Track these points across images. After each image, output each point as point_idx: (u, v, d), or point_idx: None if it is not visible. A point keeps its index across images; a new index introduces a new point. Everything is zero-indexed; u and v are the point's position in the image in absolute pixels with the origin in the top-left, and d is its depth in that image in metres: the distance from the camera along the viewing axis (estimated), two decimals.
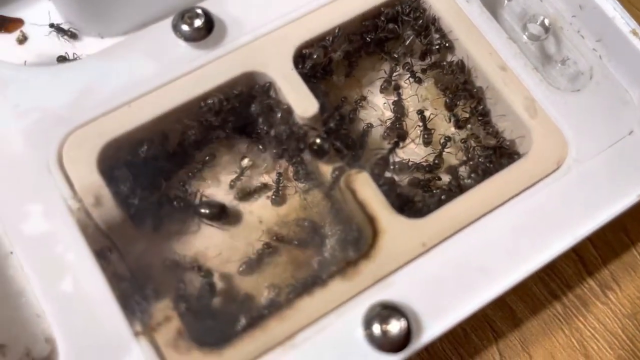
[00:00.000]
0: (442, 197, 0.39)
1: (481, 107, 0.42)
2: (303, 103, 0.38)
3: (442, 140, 0.43)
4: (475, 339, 0.43)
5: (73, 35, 0.46)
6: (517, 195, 0.37)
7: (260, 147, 0.42)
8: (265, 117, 0.40)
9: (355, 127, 0.44)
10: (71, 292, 0.33)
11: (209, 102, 0.38)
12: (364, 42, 0.43)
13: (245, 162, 0.42)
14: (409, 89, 0.45)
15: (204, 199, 0.40)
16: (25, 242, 0.34)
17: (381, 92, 0.45)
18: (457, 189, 0.40)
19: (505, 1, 0.46)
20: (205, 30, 0.39)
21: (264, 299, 0.37)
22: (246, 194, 0.41)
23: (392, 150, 0.43)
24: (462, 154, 0.43)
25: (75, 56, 0.45)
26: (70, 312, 0.32)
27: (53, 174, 0.35)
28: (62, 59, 0.45)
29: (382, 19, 0.43)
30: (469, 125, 0.43)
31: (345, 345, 0.33)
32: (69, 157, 0.36)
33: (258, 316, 0.34)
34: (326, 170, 0.38)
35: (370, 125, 0.44)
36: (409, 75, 0.45)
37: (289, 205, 0.41)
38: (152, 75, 0.38)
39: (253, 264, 0.39)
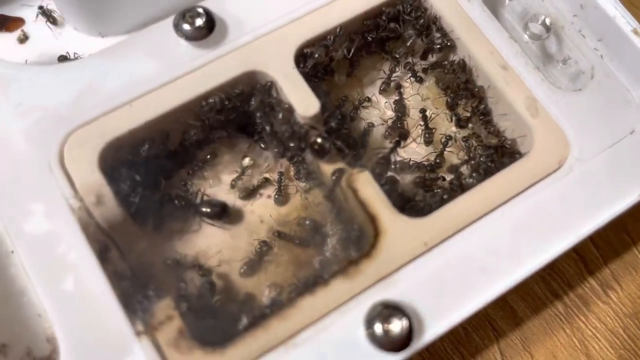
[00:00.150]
0: (444, 196, 0.39)
1: (482, 106, 0.42)
2: (304, 102, 0.38)
3: (443, 140, 0.43)
4: (476, 339, 0.43)
5: (55, 22, 0.46)
6: (518, 194, 0.37)
7: (262, 145, 0.42)
8: (266, 116, 0.40)
9: (357, 127, 0.44)
10: (72, 291, 0.33)
11: (210, 101, 0.38)
12: (365, 41, 0.43)
13: (247, 161, 0.42)
14: (410, 88, 0.45)
15: (205, 198, 0.40)
16: (26, 241, 0.34)
17: (380, 93, 0.45)
18: (459, 188, 0.40)
19: (507, 0, 0.46)
20: (206, 29, 0.39)
21: (266, 298, 0.37)
22: (249, 192, 0.41)
23: (393, 150, 0.43)
24: (463, 153, 0.43)
25: (76, 55, 0.45)
26: (71, 312, 0.32)
27: (54, 173, 0.35)
28: (63, 59, 0.45)
29: (384, 18, 0.43)
30: (470, 125, 0.43)
31: (346, 344, 0.33)
32: (70, 156, 0.36)
33: (260, 315, 0.34)
34: (327, 169, 0.38)
35: (371, 125, 0.44)
36: (410, 74, 0.45)
37: (290, 204, 0.41)
38: (154, 74, 0.38)
39: (254, 264, 0.39)
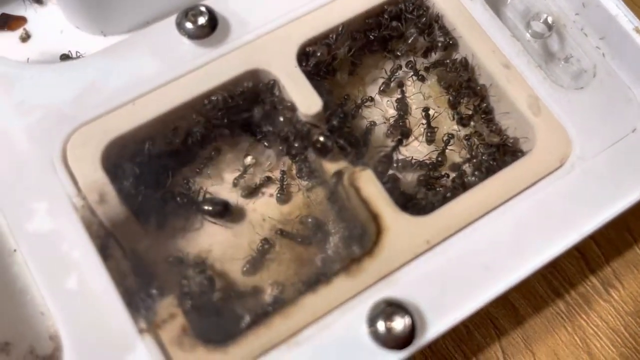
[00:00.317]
0: (446, 194, 0.39)
1: (484, 104, 0.42)
2: (307, 101, 0.38)
3: (444, 138, 0.43)
4: (478, 337, 0.43)
5: (38, 0, 0.46)
6: (520, 193, 0.37)
7: (266, 144, 0.42)
8: (268, 114, 0.40)
9: (359, 125, 0.44)
10: (75, 289, 0.33)
11: (213, 99, 0.38)
12: (368, 40, 0.44)
13: (249, 159, 0.42)
14: (412, 87, 0.45)
15: (207, 196, 0.40)
16: (29, 240, 0.34)
17: (379, 93, 0.45)
18: (461, 186, 0.40)
19: None
20: (209, 28, 0.39)
21: (268, 296, 0.38)
22: (251, 190, 0.41)
23: (395, 148, 0.43)
24: (465, 151, 0.43)
25: (79, 54, 0.45)
26: (74, 310, 0.33)
27: (57, 171, 0.35)
28: (65, 57, 0.45)
29: (386, 16, 0.43)
30: (472, 123, 0.44)
31: (349, 342, 0.33)
32: (73, 155, 0.36)
33: (262, 313, 0.34)
34: (330, 168, 0.38)
35: (373, 123, 0.44)
36: (412, 73, 0.45)
37: (292, 203, 0.41)
38: (156, 73, 0.38)
39: (256, 263, 0.39)
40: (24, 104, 0.37)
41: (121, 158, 0.37)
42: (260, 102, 0.40)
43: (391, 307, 0.33)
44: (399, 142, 0.43)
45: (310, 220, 0.40)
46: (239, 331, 0.33)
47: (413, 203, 0.39)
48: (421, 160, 0.43)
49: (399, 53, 0.45)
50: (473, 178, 0.41)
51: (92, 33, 0.46)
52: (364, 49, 0.44)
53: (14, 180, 0.35)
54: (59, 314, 0.32)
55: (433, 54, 0.45)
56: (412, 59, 0.45)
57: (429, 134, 0.43)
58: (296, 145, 0.39)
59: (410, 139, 0.44)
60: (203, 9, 0.39)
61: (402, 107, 0.44)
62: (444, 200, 0.38)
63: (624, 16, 0.42)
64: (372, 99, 0.44)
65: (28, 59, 0.45)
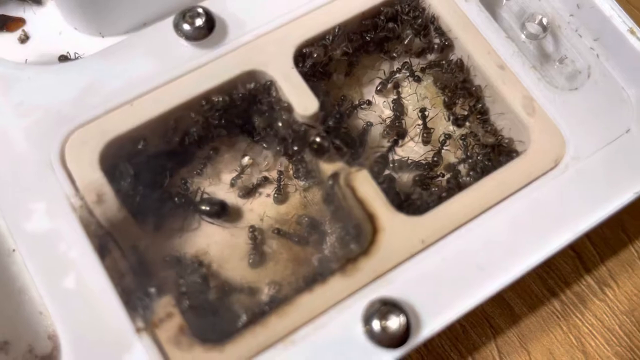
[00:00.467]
0: (441, 194, 0.39)
1: (480, 105, 0.43)
2: (303, 101, 0.39)
3: (441, 138, 0.43)
4: (473, 336, 0.43)
5: (37, 1, 0.46)
6: (515, 192, 0.37)
7: (264, 145, 0.42)
8: (265, 115, 0.40)
9: (355, 126, 0.44)
10: (73, 289, 0.33)
11: (211, 100, 0.39)
12: (364, 41, 0.44)
13: (246, 160, 0.42)
14: (408, 87, 0.46)
15: (204, 196, 0.40)
16: (28, 240, 0.34)
17: (376, 93, 0.45)
18: (456, 186, 0.40)
19: (504, 0, 0.46)
20: (206, 29, 0.39)
21: (265, 295, 0.38)
22: (248, 190, 0.41)
23: (391, 149, 0.43)
24: (460, 152, 0.43)
25: (77, 55, 0.45)
26: (72, 309, 0.33)
27: (55, 172, 0.35)
28: (63, 58, 0.45)
29: (382, 18, 0.43)
30: (467, 124, 0.44)
31: (345, 341, 0.33)
32: (71, 155, 0.36)
33: (259, 312, 0.35)
34: (326, 168, 0.39)
35: (369, 124, 0.44)
36: (408, 74, 0.45)
37: (289, 203, 0.41)
38: (154, 74, 0.38)
39: (258, 250, 0.39)
40: (23, 104, 0.37)
41: (119, 158, 0.37)
42: (257, 103, 0.40)
43: (386, 306, 0.33)
44: (395, 143, 0.43)
45: (307, 220, 0.40)
46: (236, 330, 0.33)
47: (408, 203, 0.39)
48: (417, 160, 0.43)
49: (395, 55, 0.45)
50: (468, 178, 0.41)
51: (90, 34, 0.47)
52: (360, 50, 0.45)
53: (13, 181, 0.35)
54: (56, 314, 0.33)
55: (429, 55, 0.45)
56: (408, 60, 0.45)
57: (425, 135, 0.44)
58: (293, 145, 0.40)
59: (406, 139, 0.44)
60: (200, 10, 0.39)
61: (398, 107, 0.44)
62: (439, 200, 0.38)
63: (618, 17, 0.42)
64: (369, 103, 0.44)
65: (26, 60, 0.45)
